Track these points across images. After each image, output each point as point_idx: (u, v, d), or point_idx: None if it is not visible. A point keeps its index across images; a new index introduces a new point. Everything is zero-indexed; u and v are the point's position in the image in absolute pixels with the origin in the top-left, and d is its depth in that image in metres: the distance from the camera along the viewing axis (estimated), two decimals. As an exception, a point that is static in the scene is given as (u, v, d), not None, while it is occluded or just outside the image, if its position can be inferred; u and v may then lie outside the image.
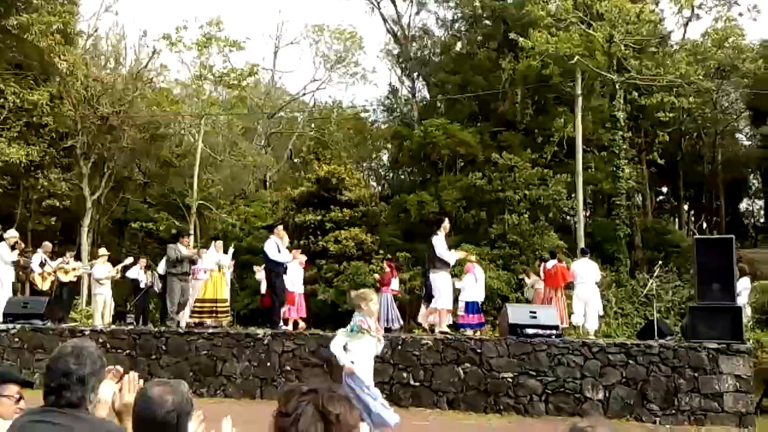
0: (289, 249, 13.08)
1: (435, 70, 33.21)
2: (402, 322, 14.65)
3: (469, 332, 13.27)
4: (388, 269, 15.64)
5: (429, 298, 12.61)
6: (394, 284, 15.45)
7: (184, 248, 12.88)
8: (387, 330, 13.58)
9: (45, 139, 23.20)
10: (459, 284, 14.37)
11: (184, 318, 13.78)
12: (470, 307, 14.19)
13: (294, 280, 13.61)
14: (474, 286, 14.31)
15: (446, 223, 12.13)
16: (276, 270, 12.20)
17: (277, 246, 12.11)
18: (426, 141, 25.59)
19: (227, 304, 13.36)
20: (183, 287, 12.73)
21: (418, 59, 35.44)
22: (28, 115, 21.94)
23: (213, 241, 14.01)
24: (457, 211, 24.34)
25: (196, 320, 13.02)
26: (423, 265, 13.64)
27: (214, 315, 13.01)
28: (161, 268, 14.49)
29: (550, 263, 14.90)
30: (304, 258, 14.39)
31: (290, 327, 12.81)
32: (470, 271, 14.44)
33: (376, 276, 15.03)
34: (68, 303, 15.62)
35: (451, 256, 11.85)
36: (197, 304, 13.28)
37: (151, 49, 27.68)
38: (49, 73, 23.62)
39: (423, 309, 13.72)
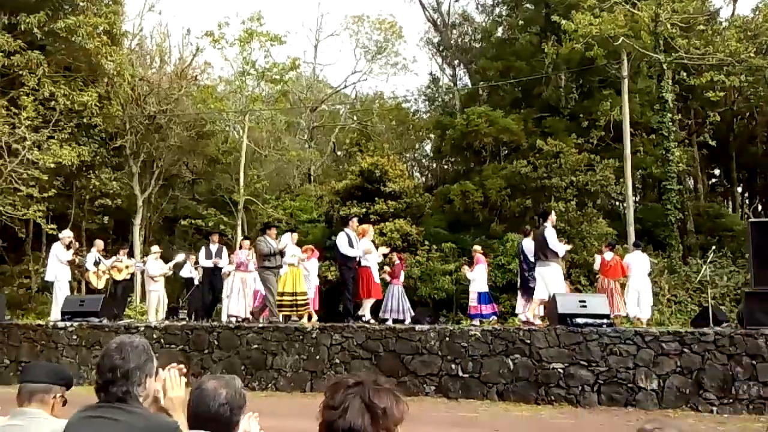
0: (374, 242, 13.15)
1: (476, 57, 32.90)
2: (413, 313, 14.60)
3: (479, 322, 13.36)
4: (398, 261, 15.65)
5: (527, 290, 12.79)
6: (403, 276, 15.59)
7: (273, 240, 12.65)
8: (397, 321, 13.76)
9: (95, 139, 23.79)
10: (470, 275, 14.44)
11: (231, 311, 13.94)
12: (482, 297, 14.43)
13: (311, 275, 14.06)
14: (485, 276, 14.70)
15: (553, 215, 12.30)
16: (347, 264, 12.25)
17: (349, 239, 12.14)
18: (468, 129, 25.37)
19: (306, 297, 13.39)
20: (275, 281, 12.62)
21: (458, 47, 35.16)
22: (78, 117, 22.50)
23: (266, 230, 13.29)
24: (502, 200, 24.11)
25: (282, 314, 13.05)
26: (521, 257, 13.53)
27: (295, 309, 13.08)
28: (202, 260, 14.71)
29: (609, 255, 14.57)
30: (386, 249, 14.17)
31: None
32: (480, 261, 14.66)
33: (387, 269, 15.03)
34: (123, 300, 16.01)
35: (562, 248, 11.88)
36: (278, 298, 13.42)
37: (195, 46, 28.12)
38: (97, 74, 24.16)
39: (521, 300, 13.69)
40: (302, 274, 13.39)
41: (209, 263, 14.44)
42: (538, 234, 11.95)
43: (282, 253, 12.57)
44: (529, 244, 13.12)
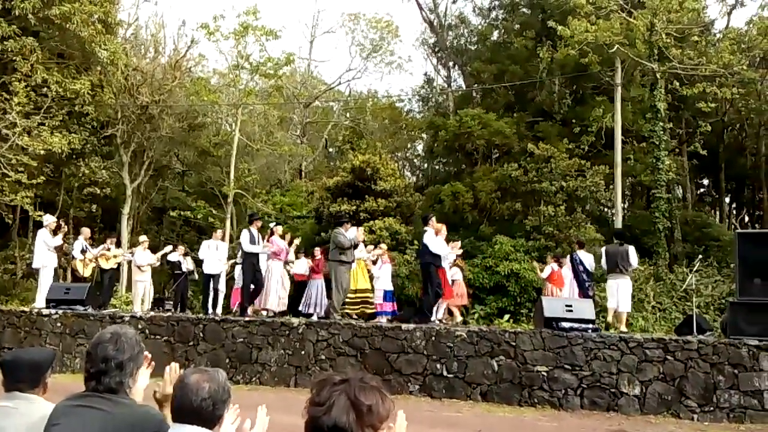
0: (447, 240, 12.95)
1: (471, 59, 32.92)
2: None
3: (384, 320, 13.45)
4: (319, 256, 15.47)
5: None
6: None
7: (348, 233, 12.38)
8: (308, 315, 13.77)
9: (86, 127, 23.61)
10: (376, 272, 14.59)
11: (269, 304, 13.45)
12: (387, 295, 14.70)
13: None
14: (389, 275, 14.99)
15: (434, 220, 12.54)
16: (435, 263, 12.06)
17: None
18: (461, 131, 25.42)
19: (372, 294, 13.44)
20: (348, 277, 12.37)
21: (454, 48, 35.19)
22: (69, 104, 22.33)
23: (342, 223, 12.84)
24: (492, 202, 24.17)
25: (349, 311, 12.97)
26: (579, 268, 13.81)
27: (364, 306, 13.01)
28: (246, 245, 13.22)
29: (556, 266, 15.14)
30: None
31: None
32: (386, 261, 14.94)
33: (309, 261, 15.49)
34: (109, 289, 15.95)
35: (445, 249, 12.23)
36: (350, 296, 13.29)
37: (190, 38, 28.00)
38: (90, 62, 23.98)
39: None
40: (365, 270, 13.48)
41: (256, 249, 13.18)
42: (621, 251, 12.60)
43: (356, 246, 12.45)
44: (586, 257, 14.00)
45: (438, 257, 11.99)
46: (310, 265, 15.34)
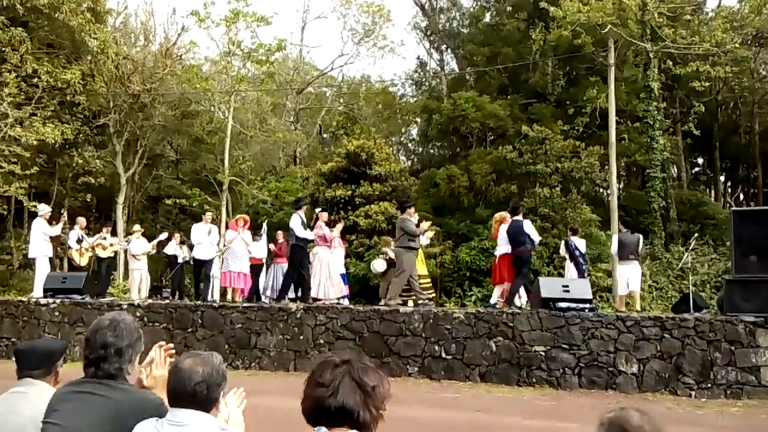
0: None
1: (464, 42, 32.79)
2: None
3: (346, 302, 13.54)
4: (281, 240, 15.45)
5: None
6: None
7: (414, 219, 12.19)
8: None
9: (78, 117, 23.48)
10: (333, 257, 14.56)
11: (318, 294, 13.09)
12: (343, 278, 14.57)
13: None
14: (342, 259, 15.00)
15: (412, 210, 12.56)
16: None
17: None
18: (455, 114, 25.36)
19: (427, 280, 13.38)
20: (416, 263, 12.24)
21: (446, 31, 35.01)
22: (61, 94, 22.20)
23: (407, 208, 12.59)
24: (488, 185, 24.17)
25: (405, 299, 12.82)
26: (576, 254, 13.77)
27: (421, 291, 12.98)
28: (300, 231, 12.54)
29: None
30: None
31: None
32: (340, 245, 14.87)
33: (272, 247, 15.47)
34: (106, 278, 15.93)
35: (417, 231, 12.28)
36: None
37: (180, 26, 27.79)
38: (81, 51, 23.82)
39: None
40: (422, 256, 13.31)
41: (309, 234, 12.63)
42: (629, 237, 13.03)
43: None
44: (579, 242, 13.89)
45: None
46: (274, 249, 15.26)
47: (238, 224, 14.43)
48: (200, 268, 14.66)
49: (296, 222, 12.50)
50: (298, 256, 12.45)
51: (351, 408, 1.80)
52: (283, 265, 14.42)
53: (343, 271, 15.05)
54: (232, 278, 14.37)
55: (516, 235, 11.81)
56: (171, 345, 2.85)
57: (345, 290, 14.49)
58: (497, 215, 13.05)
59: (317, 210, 13.70)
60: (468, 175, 24.19)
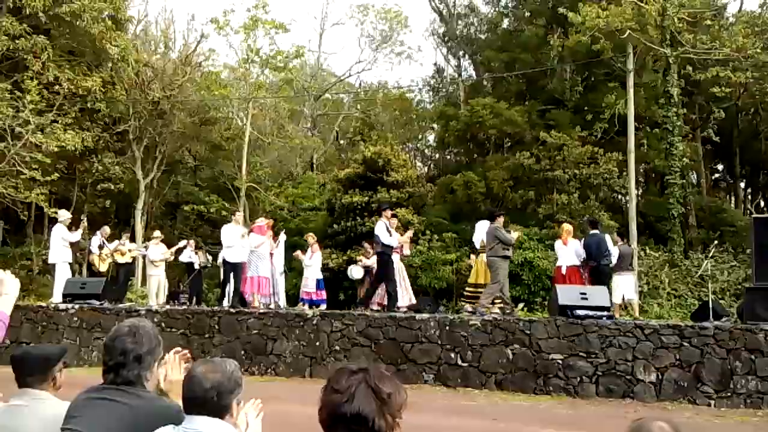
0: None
1: (481, 48, 32.72)
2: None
3: (315, 309, 13.52)
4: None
5: None
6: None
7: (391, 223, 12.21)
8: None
9: (98, 124, 23.75)
10: (307, 261, 14.76)
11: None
12: (319, 284, 14.71)
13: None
14: (319, 263, 15.04)
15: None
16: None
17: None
18: (472, 121, 25.30)
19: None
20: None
21: (464, 37, 34.98)
22: (82, 101, 22.48)
23: (496, 216, 12.56)
24: (505, 192, 24.07)
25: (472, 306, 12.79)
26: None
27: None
28: (385, 237, 12.36)
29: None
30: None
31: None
32: (316, 250, 14.96)
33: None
34: (125, 284, 16.07)
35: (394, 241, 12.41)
36: (469, 290, 13.31)
37: (199, 33, 28.04)
38: (101, 59, 24.11)
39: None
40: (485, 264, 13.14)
41: (394, 241, 12.43)
42: (627, 249, 13.38)
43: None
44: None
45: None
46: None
47: (266, 228, 14.18)
48: (229, 272, 13.74)
49: (381, 228, 12.25)
50: (386, 263, 12.23)
51: (367, 415, 1.80)
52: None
53: (320, 276, 14.94)
54: (261, 284, 13.94)
55: (597, 248, 12.18)
56: (186, 351, 2.87)
57: (323, 294, 14.65)
58: (569, 227, 13.12)
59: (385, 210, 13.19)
60: (485, 182, 24.11)
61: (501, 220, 12.30)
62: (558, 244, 12.98)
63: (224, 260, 13.70)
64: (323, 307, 13.98)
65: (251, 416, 2.56)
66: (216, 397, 2.35)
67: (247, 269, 13.48)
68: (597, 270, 12.18)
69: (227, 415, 2.39)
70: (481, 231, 13.00)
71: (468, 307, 12.83)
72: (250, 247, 13.57)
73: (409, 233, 13.50)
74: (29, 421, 2.82)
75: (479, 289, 12.95)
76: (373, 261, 14.07)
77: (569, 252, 12.53)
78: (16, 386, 3.00)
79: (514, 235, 12.48)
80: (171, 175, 28.93)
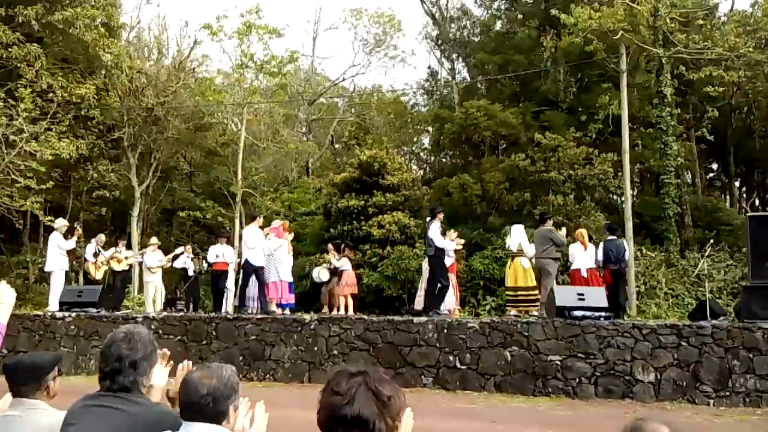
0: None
1: (475, 50, 32.78)
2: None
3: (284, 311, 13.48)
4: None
5: None
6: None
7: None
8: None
9: (93, 131, 23.69)
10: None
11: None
12: (291, 287, 14.53)
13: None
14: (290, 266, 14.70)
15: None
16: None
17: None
18: (467, 123, 25.33)
19: (533, 291, 13.27)
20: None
21: (457, 40, 35.04)
22: (75, 109, 22.42)
23: (547, 219, 13.11)
24: (501, 193, 24.09)
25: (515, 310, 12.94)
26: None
27: (527, 304, 12.96)
28: (439, 240, 12.32)
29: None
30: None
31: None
32: (290, 251, 14.74)
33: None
34: (121, 291, 16.03)
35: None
36: (510, 293, 13.44)
37: (193, 39, 28.04)
38: (95, 66, 24.08)
39: None
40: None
41: (449, 244, 12.48)
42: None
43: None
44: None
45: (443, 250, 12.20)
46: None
47: (282, 230, 14.09)
48: (250, 275, 13.26)
49: (436, 231, 12.22)
50: (440, 266, 12.24)
51: (367, 418, 1.79)
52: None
53: (290, 279, 14.64)
54: (283, 289, 13.77)
55: (617, 252, 12.64)
56: (166, 351, 2.87)
57: (293, 298, 14.54)
58: (585, 231, 13.61)
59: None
60: (481, 184, 24.13)
61: (551, 222, 12.90)
62: (577, 247, 13.16)
63: (246, 262, 13.18)
64: (288, 311, 13.90)
65: (259, 410, 2.56)
66: (212, 403, 2.34)
67: (267, 274, 13.25)
68: (617, 273, 12.69)
69: (224, 421, 2.39)
70: (517, 235, 13.33)
71: (513, 311, 12.94)
72: (269, 250, 13.39)
73: (458, 238, 13.54)
74: (24, 430, 2.80)
75: (520, 293, 13.14)
76: (341, 263, 14.48)
77: (588, 255, 12.96)
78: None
79: (453, 236, 13.01)
80: (166, 181, 28.88)
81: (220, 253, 15.50)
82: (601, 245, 13.02)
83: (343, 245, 15.70)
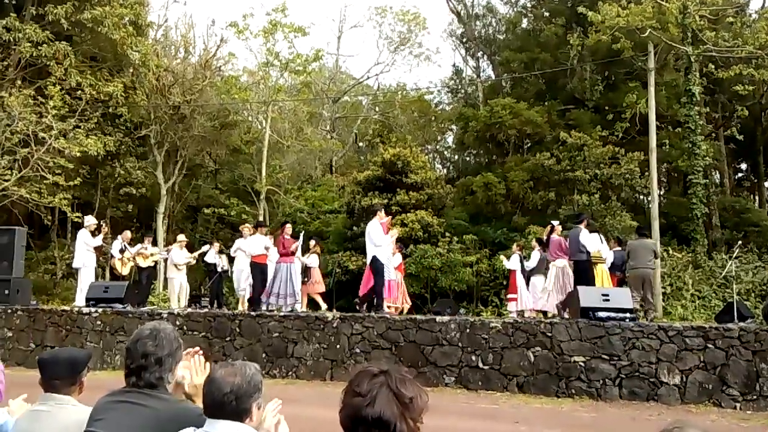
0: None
1: (500, 48, 32.65)
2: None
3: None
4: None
5: None
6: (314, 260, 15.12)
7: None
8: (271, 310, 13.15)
9: (120, 129, 24.02)
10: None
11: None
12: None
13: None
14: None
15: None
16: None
17: None
18: (492, 121, 25.22)
19: None
20: None
21: (482, 38, 34.90)
22: (103, 107, 22.75)
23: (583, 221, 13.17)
24: (525, 192, 23.96)
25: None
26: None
27: None
28: (251, 247, 13.04)
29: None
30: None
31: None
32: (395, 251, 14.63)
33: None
34: (147, 287, 16.20)
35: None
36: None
37: (219, 37, 28.25)
38: (122, 64, 24.41)
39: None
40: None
41: (386, 240, 12.32)
42: (622, 253, 13.68)
43: None
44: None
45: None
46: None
47: (389, 226, 14.05)
48: (381, 275, 12.44)
49: (376, 228, 11.97)
50: (376, 265, 12.03)
51: (388, 419, 1.78)
52: (290, 265, 13.06)
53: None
54: (390, 288, 13.66)
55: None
56: (198, 348, 2.87)
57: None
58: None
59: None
60: (505, 183, 24.01)
61: (382, 213, 12.41)
62: (604, 247, 13.08)
63: (374, 260, 12.16)
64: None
65: (269, 415, 2.56)
66: (235, 401, 2.35)
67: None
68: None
69: (247, 419, 2.39)
70: (593, 241, 12.91)
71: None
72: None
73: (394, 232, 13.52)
74: (50, 425, 2.83)
75: None
76: (310, 260, 14.56)
77: (612, 257, 13.26)
78: (41, 391, 2.97)
79: (394, 232, 13.10)
80: (192, 178, 29.15)
81: (269, 244, 13.87)
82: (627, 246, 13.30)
83: (311, 239, 15.34)
